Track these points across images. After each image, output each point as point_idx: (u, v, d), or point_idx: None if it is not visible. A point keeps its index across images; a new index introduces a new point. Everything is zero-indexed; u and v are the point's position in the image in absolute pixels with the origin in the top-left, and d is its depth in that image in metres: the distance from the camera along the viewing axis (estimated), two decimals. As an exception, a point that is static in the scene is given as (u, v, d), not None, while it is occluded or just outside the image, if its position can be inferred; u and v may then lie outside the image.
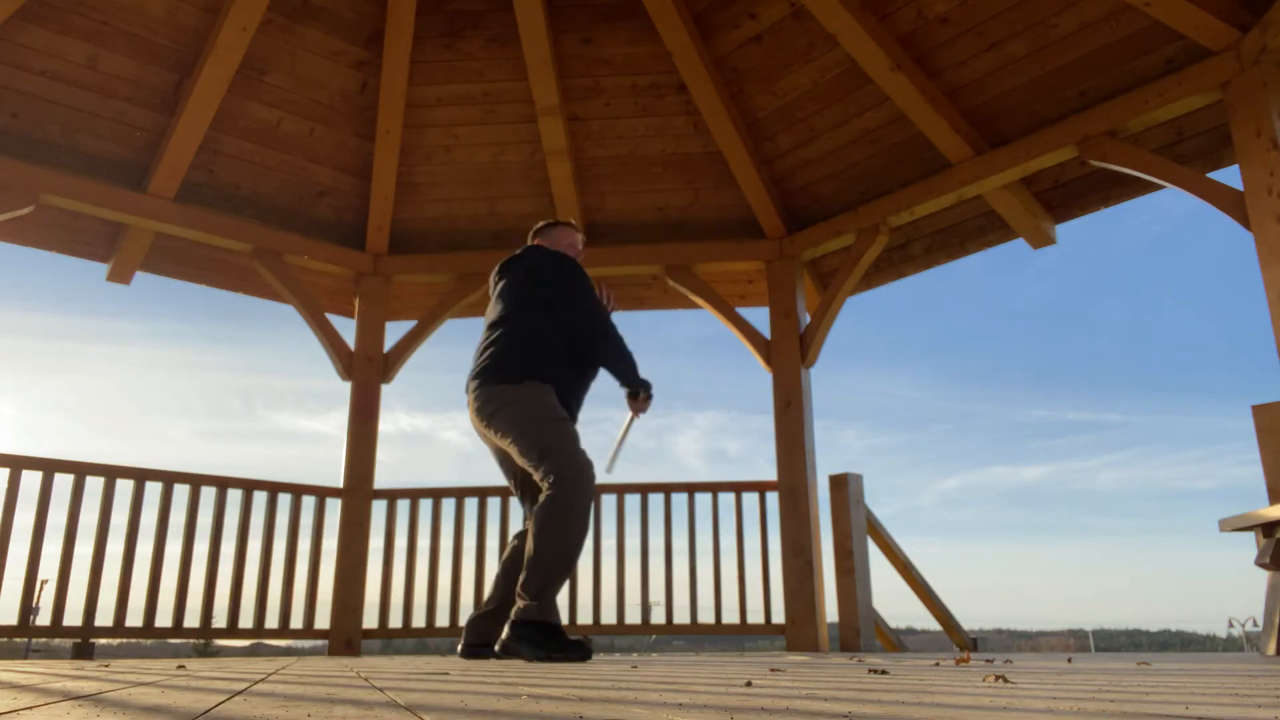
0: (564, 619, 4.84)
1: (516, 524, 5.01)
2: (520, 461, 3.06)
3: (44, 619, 4.17)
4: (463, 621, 4.88)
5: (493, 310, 3.28)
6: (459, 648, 3.22)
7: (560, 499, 2.88)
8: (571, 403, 3.23)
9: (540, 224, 3.59)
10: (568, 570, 2.93)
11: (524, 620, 2.81)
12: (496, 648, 2.90)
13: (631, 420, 3.40)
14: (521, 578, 2.89)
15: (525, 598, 2.84)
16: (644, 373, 3.27)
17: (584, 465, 2.96)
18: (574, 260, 3.31)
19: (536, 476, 2.99)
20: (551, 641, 2.77)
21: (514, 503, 5.00)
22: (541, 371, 3.09)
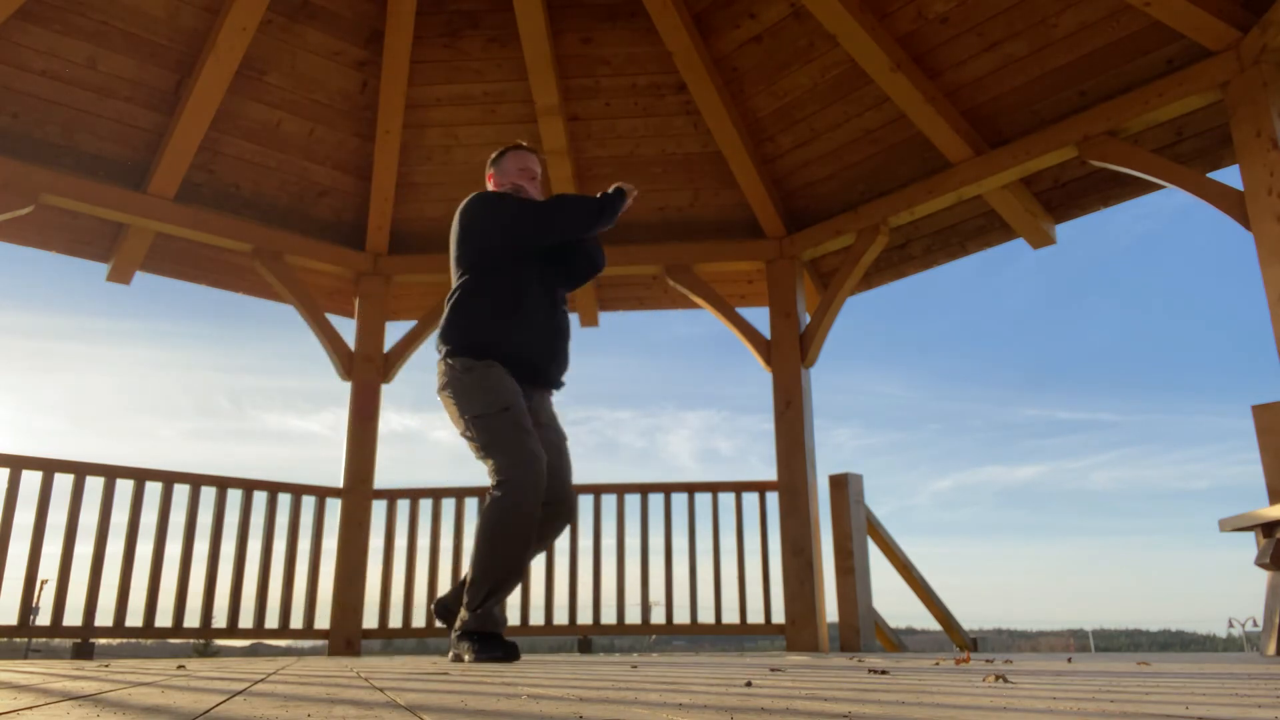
0: (566, 619, 4.84)
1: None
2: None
3: (44, 619, 4.17)
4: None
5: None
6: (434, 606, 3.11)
7: (501, 505, 2.73)
8: (541, 361, 2.98)
9: (493, 154, 3.29)
10: (511, 580, 2.80)
11: (464, 632, 2.77)
12: (449, 655, 2.86)
13: None
14: (466, 584, 2.81)
15: (466, 609, 2.78)
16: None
17: (529, 463, 2.75)
18: (486, 195, 3.06)
19: (485, 470, 2.84)
20: (483, 649, 2.71)
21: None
22: (485, 343, 2.87)
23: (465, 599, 2.79)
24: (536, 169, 3.24)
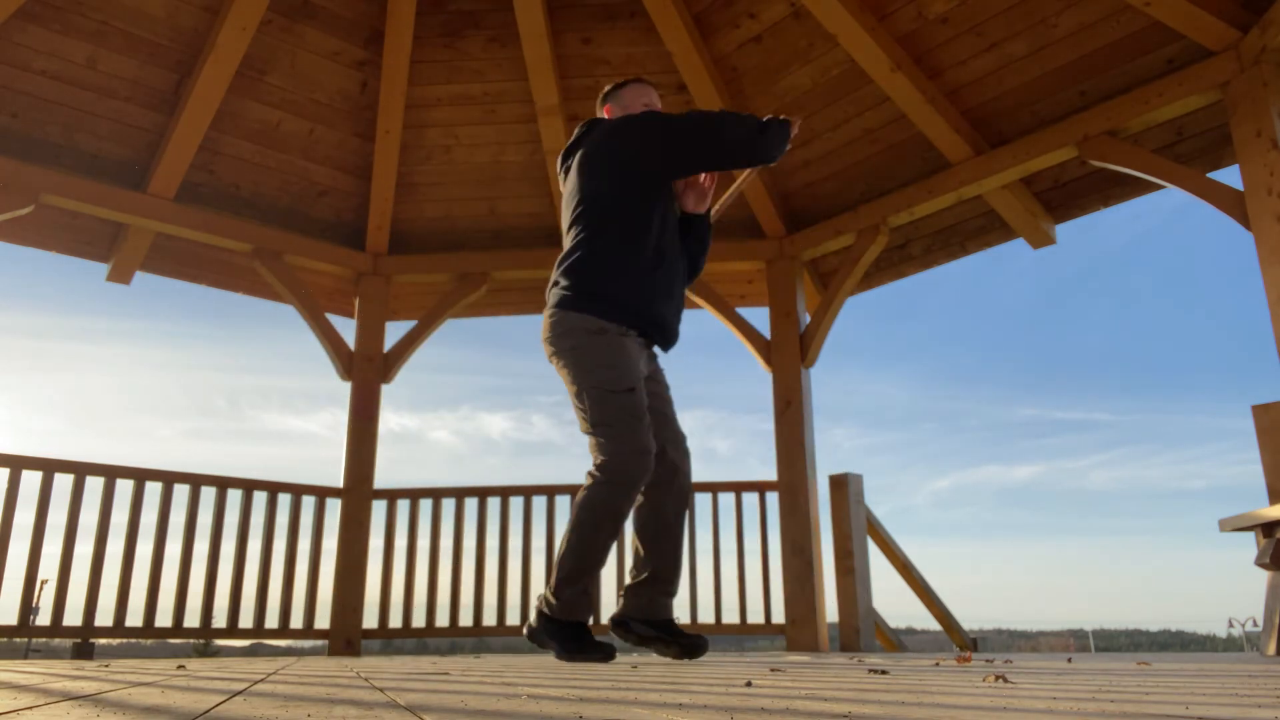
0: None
1: (517, 524, 5.02)
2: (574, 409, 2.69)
3: (44, 619, 4.17)
4: (463, 622, 4.89)
5: (564, 212, 2.80)
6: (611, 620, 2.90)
7: (602, 496, 2.58)
8: (663, 314, 2.73)
9: (606, 88, 2.98)
10: (592, 569, 2.65)
11: (548, 615, 2.65)
12: (524, 631, 2.72)
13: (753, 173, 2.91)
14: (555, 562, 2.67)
15: (549, 588, 2.67)
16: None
17: (636, 456, 2.57)
18: (644, 114, 2.77)
19: (588, 443, 2.65)
20: (571, 641, 2.60)
21: (515, 502, 5.00)
22: (612, 301, 2.62)
23: (552, 579, 2.65)
24: (659, 105, 2.93)
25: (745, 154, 2.69)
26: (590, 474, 2.62)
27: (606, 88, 2.98)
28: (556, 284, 2.72)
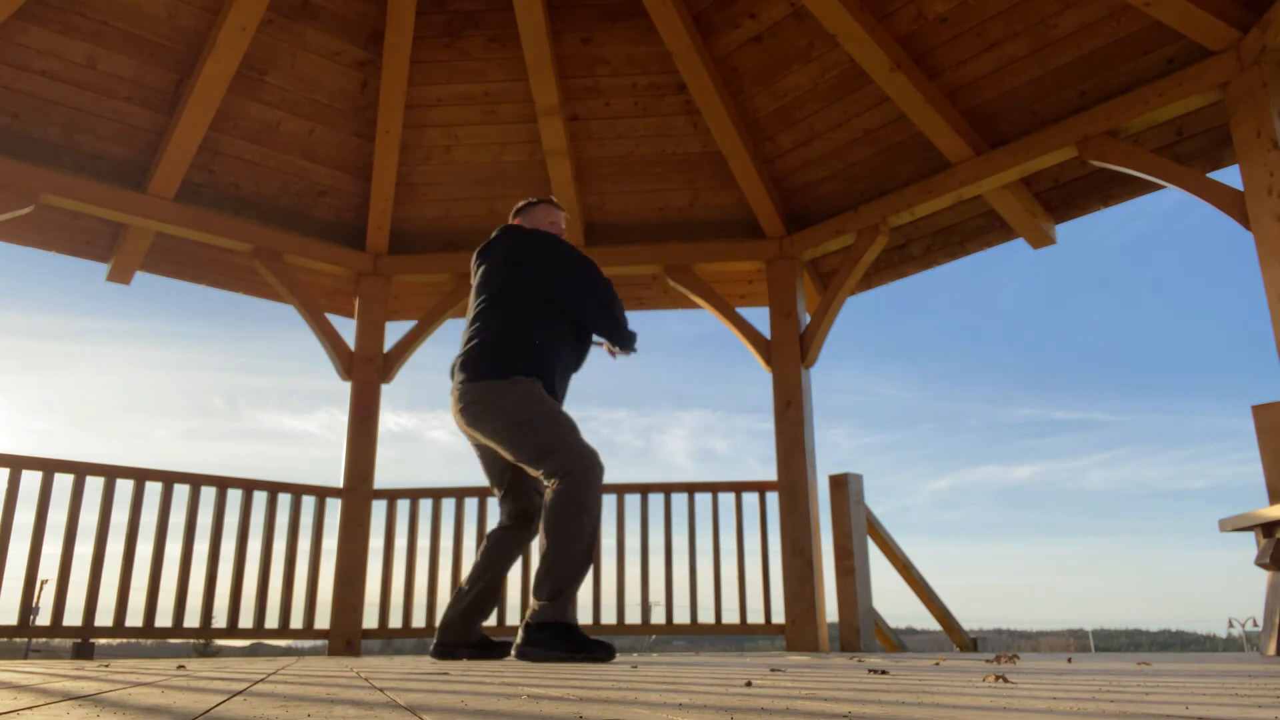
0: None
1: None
2: (514, 460, 2.96)
3: (44, 619, 4.17)
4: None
5: (474, 299, 3.17)
6: (431, 648, 3.14)
7: (570, 496, 2.78)
8: (560, 386, 3.11)
9: (520, 203, 3.42)
10: (584, 569, 2.83)
11: (539, 622, 2.74)
12: (513, 652, 2.80)
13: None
14: (535, 580, 2.83)
15: (540, 599, 2.78)
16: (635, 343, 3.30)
17: (590, 456, 2.85)
18: (554, 236, 3.20)
19: (538, 475, 2.91)
20: (570, 641, 2.70)
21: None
22: (527, 363, 2.95)
23: (535, 589, 2.81)
24: (563, 225, 3.40)
25: (606, 329, 3.18)
26: (550, 486, 2.84)
27: (520, 204, 3.41)
28: (473, 358, 3.00)
